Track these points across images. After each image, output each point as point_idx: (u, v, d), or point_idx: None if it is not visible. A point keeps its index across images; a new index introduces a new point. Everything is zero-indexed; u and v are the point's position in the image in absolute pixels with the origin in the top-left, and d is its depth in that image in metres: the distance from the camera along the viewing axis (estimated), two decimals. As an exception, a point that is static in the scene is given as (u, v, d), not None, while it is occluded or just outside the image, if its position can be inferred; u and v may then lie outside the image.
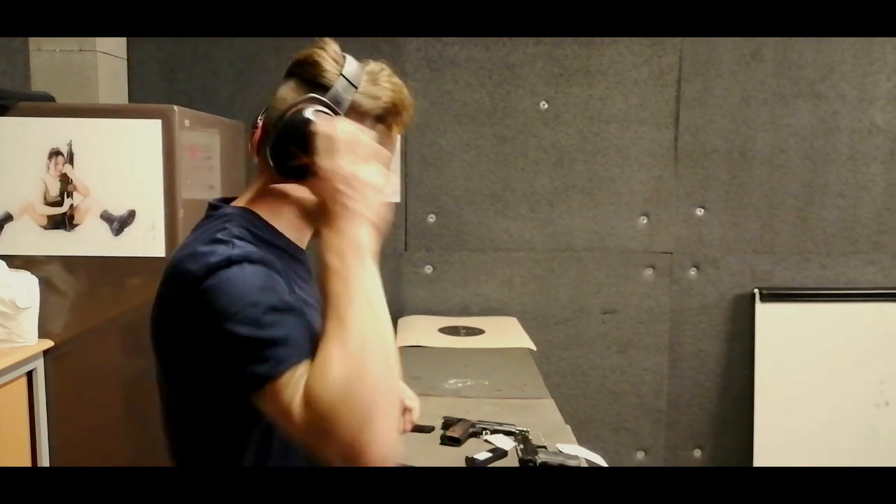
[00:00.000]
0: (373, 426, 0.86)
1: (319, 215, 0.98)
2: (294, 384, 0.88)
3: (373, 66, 1.05)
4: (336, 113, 0.99)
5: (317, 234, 1.03)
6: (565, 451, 1.75)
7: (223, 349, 0.91)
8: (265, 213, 1.05)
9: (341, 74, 1.00)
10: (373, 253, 0.93)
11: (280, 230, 1.06)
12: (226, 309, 0.90)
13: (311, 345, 0.91)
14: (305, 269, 1.13)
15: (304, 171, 0.97)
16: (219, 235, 0.97)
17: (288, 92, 1.02)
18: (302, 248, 1.11)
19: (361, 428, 0.85)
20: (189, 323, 0.93)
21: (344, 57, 1.03)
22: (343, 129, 0.95)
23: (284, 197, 1.04)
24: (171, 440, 1.11)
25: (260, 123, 1.04)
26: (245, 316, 0.89)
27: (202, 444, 1.04)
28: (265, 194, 1.05)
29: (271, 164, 0.98)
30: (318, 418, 0.85)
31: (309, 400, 0.86)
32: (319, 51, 1.02)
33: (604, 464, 1.76)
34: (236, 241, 0.95)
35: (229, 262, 0.92)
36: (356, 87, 1.01)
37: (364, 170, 0.95)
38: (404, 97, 1.06)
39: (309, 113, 0.96)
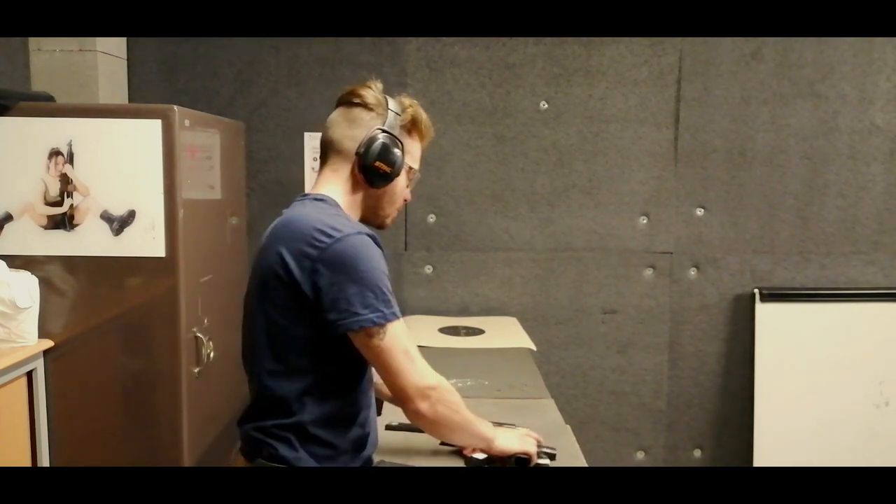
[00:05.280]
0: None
1: (370, 213, 1.51)
2: (403, 333, 1.34)
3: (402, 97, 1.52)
4: (395, 137, 1.46)
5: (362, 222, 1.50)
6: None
7: (348, 286, 1.29)
8: (345, 205, 1.47)
9: (390, 110, 1.47)
10: None
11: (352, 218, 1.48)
12: (360, 262, 1.30)
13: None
14: None
15: (381, 180, 1.46)
16: (337, 215, 1.39)
17: (361, 116, 1.46)
18: None
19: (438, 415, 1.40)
20: (320, 274, 1.30)
21: (386, 98, 1.48)
22: None
23: (361, 197, 1.50)
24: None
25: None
26: (373, 272, 1.31)
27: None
28: (346, 193, 1.48)
29: (361, 176, 1.45)
30: (431, 409, 1.38)
31: (435, 397, 1.38)
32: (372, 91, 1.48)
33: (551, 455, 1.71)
34: (353, 222, 1.41)
35: (359, 232, 1.34)
36: (399, 114, 1.47)
37: None
38: (420, 112, 1.52)
39: (382, 139, 1.45)
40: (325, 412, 1.37)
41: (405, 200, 1.58)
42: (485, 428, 1.50)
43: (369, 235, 1.37)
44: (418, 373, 1.35)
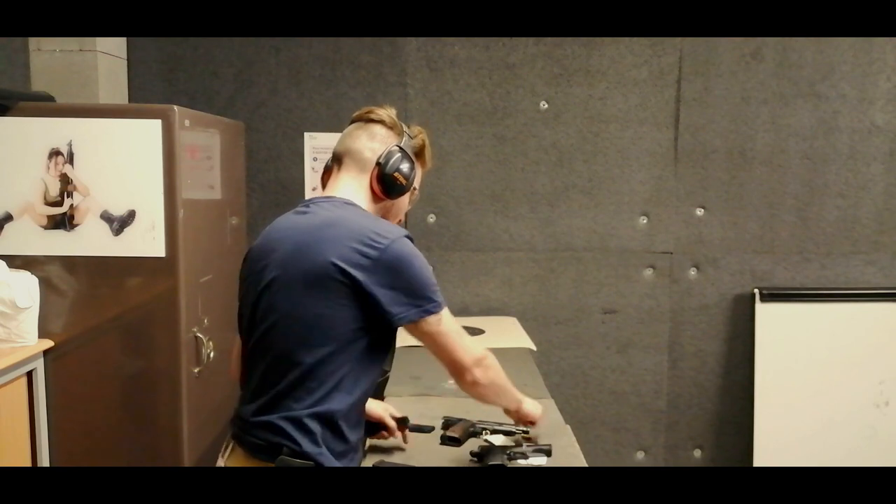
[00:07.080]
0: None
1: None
2: (451, 316, 1.50)
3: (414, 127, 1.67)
4: (408, 155, 1.60)
5: None
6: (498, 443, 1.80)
7: (409, 283, 1.43)
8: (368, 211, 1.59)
9: (405, 133, 1.61)
10: None
11: None
12: (414, 260, 1.46)
13: None
14: None
15: (396, 191, 1.59)
16: (379, 219, 1.54)
17: (380, 132, 1.59)
18: None
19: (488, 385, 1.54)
20: (381, 274, 1.41)
21: (402, 125, 1.62)
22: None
23: (375, 207, 1.61)
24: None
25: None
26: (426, 268, 1.48)
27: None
28: (366, 200, 1.59)
29: (379, 186, 1.57)
30: (485, 375, 1.52)
31: (486, 364, 1.53)
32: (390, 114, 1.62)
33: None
34: (394, 225, 1.54)
35: (406, 235, 1.48)
36: (412, 138, 1.63)
37: None
38: (427, 140, 1.67)
39: (401, 153, 1.59)
40: (349, 405, 1.44)
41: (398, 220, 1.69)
42: (517, 392, 1.72)
43: (407, 236, 1.51)
44: (470, 347, 1.52)
